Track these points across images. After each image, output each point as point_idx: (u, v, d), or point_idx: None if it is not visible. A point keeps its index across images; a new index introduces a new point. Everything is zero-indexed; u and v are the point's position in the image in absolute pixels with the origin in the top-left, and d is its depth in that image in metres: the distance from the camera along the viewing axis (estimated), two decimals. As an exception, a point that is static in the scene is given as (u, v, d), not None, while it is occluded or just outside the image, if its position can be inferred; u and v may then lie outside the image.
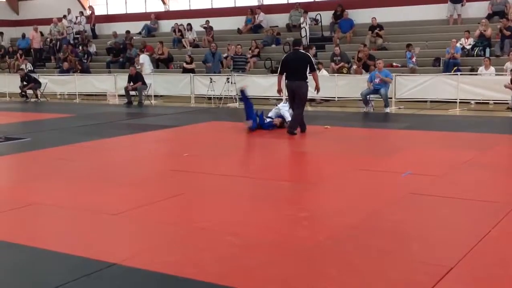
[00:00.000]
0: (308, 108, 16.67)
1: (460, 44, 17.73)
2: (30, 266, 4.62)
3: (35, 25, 26.75)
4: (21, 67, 23.21)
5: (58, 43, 26.09)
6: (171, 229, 5.44)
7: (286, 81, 11.46)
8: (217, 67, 19.78)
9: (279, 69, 11.83)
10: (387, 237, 5.09)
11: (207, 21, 23.69)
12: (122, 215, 5.88)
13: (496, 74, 15.48)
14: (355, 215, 5.80)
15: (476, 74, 15.78)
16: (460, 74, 15.55)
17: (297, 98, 11.12)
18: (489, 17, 18.89)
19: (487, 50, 17.45)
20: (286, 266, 4.44)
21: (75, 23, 26.79)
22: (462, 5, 19.67)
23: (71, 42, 26.00)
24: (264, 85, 17.68)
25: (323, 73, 17.60)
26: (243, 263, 4.54)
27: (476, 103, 15.50)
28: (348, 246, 4.87)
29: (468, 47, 17.76)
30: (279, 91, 11.80)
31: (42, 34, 26.96)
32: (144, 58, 21.58)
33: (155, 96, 19.44)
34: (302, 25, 20.94)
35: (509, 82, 13.81)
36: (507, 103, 14.35)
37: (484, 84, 15.04)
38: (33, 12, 29.21)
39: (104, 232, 5.45)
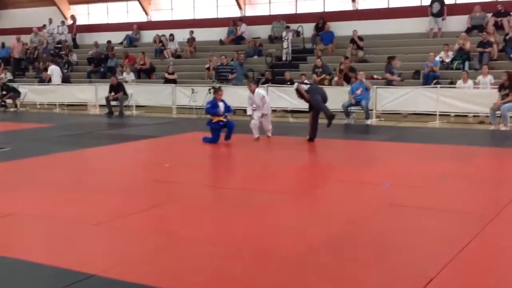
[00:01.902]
0: (290, 119, 16.78)
1: (440, 57, 17.95)
2: (9, 277, 4.55)
3: (17, 34, 26.51)
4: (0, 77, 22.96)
5: (37, 52, 25.87)
6: (151, 239, 5.41)
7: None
8: (242, 76, 19.68)
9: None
10: (367, 248, 5.11)
11: (191, 32, 23.71)
12: (102, 225, 5.83)
13: (474, 87, 15.69)
14: (335, 225, 5.82)
15: (454, 87, 15.98)
16: (440, 87, 15.73)
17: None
18: (468, 31, 19.18)
19: (466, 63, 17.68)
20: (266, 276, 4.44)
21: (57, 33, 26.63)
22: (442, 19, 19.94)
23: (52, 51, 25.81)
24: (246, 96, 17.64)
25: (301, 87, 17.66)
26: (223, 273, 4.52)
27: (456, 115, 15.68)
28: (328, 257, 4.88)
29: (447, 60, 17.99)
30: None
31: (23, 43, 26.73)
32: (53, 69, 22.06)
33: (136, 106, 19.36)
34: (284, 39, 21.07)
35: (498, 101, 13.82)
36: (487, 116, 14.48)
37: (463, 97, 15.22)
38: (13, 21, 28.97)
39: (84, 243, 5.39)
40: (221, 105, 11.77)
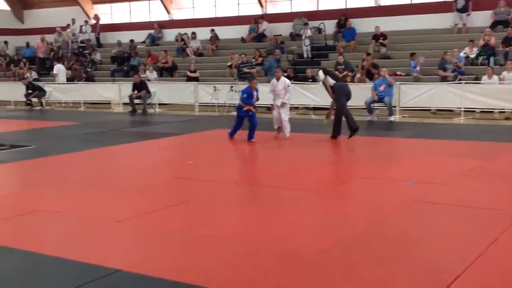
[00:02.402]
0: (312, 116, 16.73)
1: (464, 53, 17.72)
2: (35, 272, 4.62)
3: (41, 34, 26.87)
4: (25, 76, 23.29)
5: (61, 52, 26.19)
6: (175, 236, 5.44)
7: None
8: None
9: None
10: (392, 245, 5.07)
11: (212, 30, 23.78)
12: (126, 222, 5.88)
13: (500, 83, 15.46)
14: (360, 222, 5.79)
15: (479, 83, 15.76)
16: (464, 83, 15.53)
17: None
18: (493, 26, 18.91)
19: (491, 59, 17.43)
20: (290, 273, 4.43)
21: (80, 32, 26.92)
22: (467, 15, 19.68)
23: (76, 51, 26.10)
24: (267, 93, 17.65)
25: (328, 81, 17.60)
26: (246, 271, 4.52)
27: (481, 111, 15.47)
28: (352, 254, 4.85)
29: (472, 56, 17.76)
30: None
31: (47, 43, 27.07)
32: (58, 68, 22.57)
33: (159, 104, 19.47)
34: (303, 37, 20.99)
35: None
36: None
37: (489, 93, 15.00)
38: (38, 21, 29.36)
39: (109, 239, 5.45)
40: (255, 94, 11.65)
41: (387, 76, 15.41)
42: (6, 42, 28.66)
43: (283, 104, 11.83)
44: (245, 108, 11.56)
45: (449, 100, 15.27)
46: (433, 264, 4.57)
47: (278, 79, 11.94)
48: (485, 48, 17.74)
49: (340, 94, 11.71)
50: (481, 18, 19.50)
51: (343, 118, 11.50)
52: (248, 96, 11.58)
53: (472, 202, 6.48)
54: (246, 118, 11.65)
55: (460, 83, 15.59)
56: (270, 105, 12.14)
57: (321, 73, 12.05)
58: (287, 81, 12.10)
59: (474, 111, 15.40)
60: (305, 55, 20.89)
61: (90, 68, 24.49)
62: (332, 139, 11.46)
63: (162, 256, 4.88)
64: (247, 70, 19.04)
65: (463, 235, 5.38)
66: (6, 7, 30.23)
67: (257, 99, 11.83)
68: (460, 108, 15.02)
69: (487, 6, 19.52)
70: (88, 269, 4.55)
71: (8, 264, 4.81)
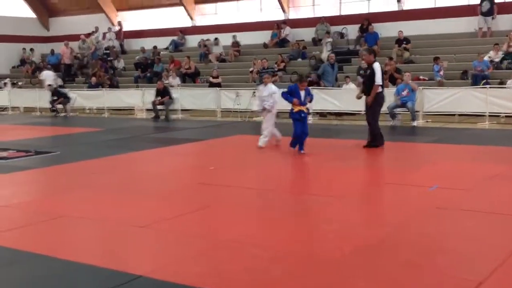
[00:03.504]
0: (333, 122, 16.68)
1: (489, 57, 17.53)
2: (59, 277, 4.68)
3: (66, 41, 27.28)
4: (50, 83, 23.64)
5: (86, 59, 26.54)
6: (197, 241, 5.47)
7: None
8: (333, 79, 18.68)
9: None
10: (415, 250, 5.04)
11: (235, 36, 23.87)
12: (149, 227, 5.93)
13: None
14: (382, 228, 5.76)
15: (504, 87, 15.56)
16: (489, 87, 15.36)
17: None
18: (518, 29, 18.67)
19: (516, 63, 17.23)
20: (312, 278, 4.42)
21: (103, 39, 27.27)
22: (492, 18, 19.46)
23: (100, 57, 26.41)
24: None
25: (350, 86, 17.58)
26: (268, 275, 4.53)
27: (506, 116, 15.27)
28: (375, 259, 4.82)
29: (497, 60, 17.55)
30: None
31: (72, 49, 27.47)
32: (46, 75, 23.64)
33: (182, 110, 19.60)
34: (323, 43, 20.95)
35: None
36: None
37: (514, 97, 14.81)
38: (63, 28, 29.83)
39: (132, 244, 5.50)
40: (302, 94, 10.65)
41: (410, 81, 15.30)
42: (32, 49, 29.17)
43: (264, 109, 11.47)
44: (295, 109, 10.62)
45: (474, 105, 15.11)
46: (456, 270, 4.52)
47: (265, 85, 11.61)
48: (510, 52, 17.52)
49: (376, 105, 11.18)
50: (507, 22, 19.28)
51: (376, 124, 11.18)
52: (289, 92, 10.66)
53: (496, 208, 6.40)
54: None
55: (485, 87, 15.42)
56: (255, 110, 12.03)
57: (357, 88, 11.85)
58: (274, 87, 11.61)
59: (498, 116, 15.21)
60: (325, 62, 20.79)
61: (113, 74, 24.77)
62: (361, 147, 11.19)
63: (184, 262, 4.91)
64: (274, 80, 19.02)
65: (486, 241, 5.31)
66: (32, 14, 30.78)
67: (310, 100, 10.94)
68: (484, 113, 14.85)
69: (512, 9, 19.31)
70: (110, 275, 4.60)
71: (31, 270, 4.87)
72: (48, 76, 23.65)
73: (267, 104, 11.40)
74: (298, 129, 10.54)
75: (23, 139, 13.93)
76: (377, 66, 11.00)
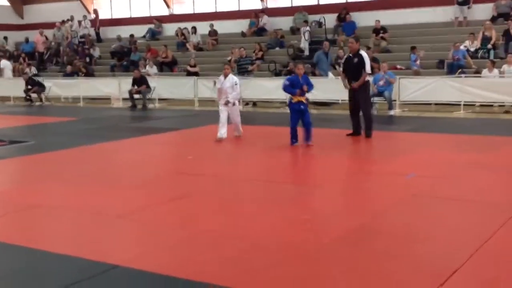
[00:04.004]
0: (312, 111, 16.70)
1: (465, 46, 17.68)
2: (34, 268, 4.62)
3: (40, 29, 26.85)
4: (25, 71, 23.29)
5: (61, 47, 26.17)
6: (175, 231, 5.44)
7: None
8: (328, 67, 18.17)
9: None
10: (391, 239, 5.07)
11: (211, 25, 23.74)
12: (126, 217, 5.88)
13: (500, 77, 15.43)
14: (359, 217, 5.79)
15: (479, 77, 15.73)
16: (465, 77, 15.51)
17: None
18: (494, 19, 18.86)
19: (491, 52, 17.40)
20: (290, 268, 4.43)
21: (79, 27, 26.91)
22: (468, 7, 19.63)
23: (76, 45, 26.07)
24: (268, 87, 17.67)
25: (329, 76, 17.59)
26: (246, 265, 4.52)
27: (481, 105, 15.44)
28: (352, 248, 4.85)
29: (472, 49, 17.72)
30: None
31: (46, 38, 27.06)
32: (5, 64, 23.87)
33: (159, 99, 19.46)
34: (301, 32, 20.93)
35: None
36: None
37: (489, 87, 14.97)
38: (37, 16, 29.34)
39: (108, 234, 5.45)
40: (302, 82, 10.00)
41: (387, 76, 15.20)
42: (5, 38, 28.65)
43: (227, 103, 10.90)
44: (294, 100, 10.06)
45: (449, 94, 15.24)
46: (432, 258, 4.56)
47: (226, 76, 10.99)
48: (485, 41, 17.70)
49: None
50: (482, 11, 19.48)
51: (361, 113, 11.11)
52: (292, 85, 10.03)
53: (471, 196, 6.48)
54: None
55: (461, 76, 15.56)
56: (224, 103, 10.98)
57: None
58: (235, 78, 11.16)
59: (473, 105, 15.38)
60: (305, 52, 20.77)
61: (89, 63, 24.47)
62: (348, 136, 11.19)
63: (161, 251, 4.88)
64: (252, 68, 18.99)
65: (462, 228, 5.38)
66: (5, 2, 30.24)
67: (311, 87, 10.20)
68: (460, 101, 15.00)
69: (487, -1, 19.50)
70: (87, 265, 4.55)
71: (6, 261, 4.81)
72: (7, 65, 23.50)
73: (230, 97, 10.91)
74: (295, 120, 10.04)
75: (-3, 128, 13.71)
76: (365, 54, 11.00)
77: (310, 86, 10.17)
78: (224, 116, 10.86)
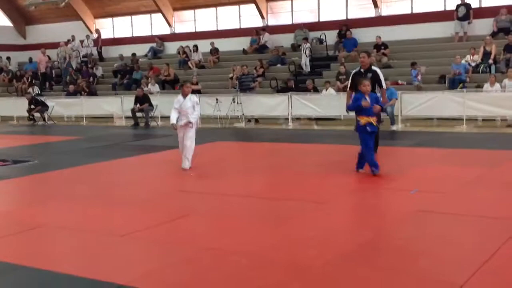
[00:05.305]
0: (314, 127, 16.73)
1: (466, 61, 17.75)
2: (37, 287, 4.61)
3: (43, 49, 27.02)
4: (28, 91, 23.41)
5: (64, 66, 26.32)
6: (179, 249, 5.42)
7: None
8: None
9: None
10: (396, 255, 5.06)
11: (212, 43, 23.88)
12: (130, 236, 5.87)
13: (501, 91, 15.46)
14: (364, 233, 5.77)
15: (481, 91, 15.76)
16: (466, 91, 15.54)
17: None
18: (494, 34, 18.94)
19: (493, 67, 17.45)
20: (295, 285, 4.41)
21: (82, 47, 27.09)
22: (469, 23, 19.72)
23: (78, 65, 26.21)
24: (270, 104, 17.75)
25: (330, 91, 17.66)
26: (250, 284, 4.50)
27: (483, 119, 15.45)
28: (358, 264, 4.83)
29: (473, 64, 17.78)
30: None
31: (49, 57, 27.22)
32: None
33: (161, 117, 19.51)
34: (302, 50, 21.01)
35: None
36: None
37: (491, 101, 15.00)
38: (40, 36, 29.54)
39: (112, 254, 5.44)
40: (369, 100, 8.58)
41: (388, 102, 15.01)
42: (8, 58, 28.85)
43: (188, 124, 9.89)
44: (362, 122, 8.55)
45: (451, 109, 15.26)
46: (437, 274, 4.54)
47: (185, 95, 9.90)
48: (486, 56, 17.76)
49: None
50: (483, 26, 19.56)
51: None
52: (356, 100, 8.67)
53: (475, 211, 6.46)
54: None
55: (462, 91, 15.59)
56: (171, 124, 10.01)
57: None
58: (195, 98, 10.15)
59: (476, 119, 15.39)
60: (304, 68, 20.84)
61: (92, 82, 24.60)
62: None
63: (165, 270, 4.86)
64: (253, 86, 19.06)
65: (466, 244, 5.36)
66: (8, 23, 30.46)
67: (381, 110, 8.92)
68: (462, 116, 15.01)
69: (488, 14, 19.59)
70: (91, 284, 4.54)
71: (12, 281, 4.79)
72: None
73: (192, 117, 9.87)
74: (363, 145, 8.67)
75: (0, 148, 13.73)
76: (378, 69, 10.75)
77: (382, 106, 9.03)
78: (181, 142, 9.99)
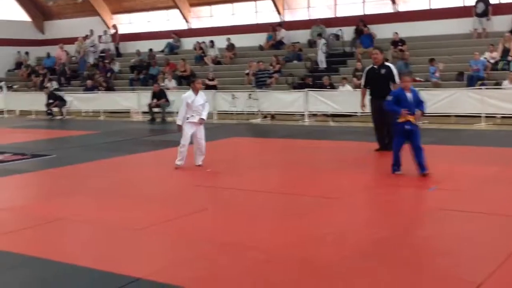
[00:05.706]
0: (330, 123, 16.67)
1: (484, 58, 17.56)
2: (57, 280, 4.65)
3: (61, 44, 27.23)
4: (46, 86, 23.60)
5: (82, 61, 26.49)
6: (195, 244, 5.44)
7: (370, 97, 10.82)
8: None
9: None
10: (415, 252, 5.02)
11: (228, 39, 23.87)
12: (146, 230, 5.90)
13: (521, 88, 15.29)
14: (382, 230, 5.74)
15: (500, 88, 15.59)
16: (485, 88, 15.38)
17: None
18: (514, 30, 18.73)
19: (511, 64, 17.26)
20: (310, 281, 4.40)
21: (99, 42, 27.25)
22: (487, 19, 19.49)
23: (95, 60, 26.37)
24: (286, 100, 17.72)
25: (346, 87, 17.59)
26: (267, 279, 4.50)
27: (502, 117, 15.28)
28: (375, 261, 4.80)
29: (492, 61, 17.59)
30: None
31: (67, 53, 27.42)
32: None
33: (178, 112, 19.51)
34: (318, 47, 20.92)
35: None
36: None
37: (510, 98, 14.83)
38: (58, 31, 29.75)
39: (129, 247, 5.46)
40: (409, 97, 8.22)
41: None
42: (27, 53, 29.11)
43: (201, 121, 9.73)
44: (400, 120, 8.19)
45: (470, 106, 15.11)
46: (456, 272, 4.51)
47: (197, 91, 9.75)
48: (505, 53, 17.57)
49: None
50: (502, 23, 19.32)
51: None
52: (397, 100, 8.26)
53: (494, 209, 6.39)
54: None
55: (481, 88, 15.44)
56: (178, 125, 9.91)
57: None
58: (204, 95, 10.04)
59: (495, 117, 15.23)
60: (320, 65, 20.77)
61: (109, 77, 24.74)
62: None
63: (181, 264, 4.88)
64: (270, 82, 19.07)
65: (485, 242, 5.30)
66: (27, 18, 30.71)
67: (421, 104, 8.41)
68: (480, 113, 14.87)
69: (507, 11, 19.36)
70: (108, 277, 4.57)
71: (30, 274, 4.84)
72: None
73: (204, 114, 9.72)
74: (398, 144, 8.32)
75: (19, 142, 13.87)
76: (391, 65, 10.65)
77: (421, 103, 8.43)
78: (188, 138, 9.74)
